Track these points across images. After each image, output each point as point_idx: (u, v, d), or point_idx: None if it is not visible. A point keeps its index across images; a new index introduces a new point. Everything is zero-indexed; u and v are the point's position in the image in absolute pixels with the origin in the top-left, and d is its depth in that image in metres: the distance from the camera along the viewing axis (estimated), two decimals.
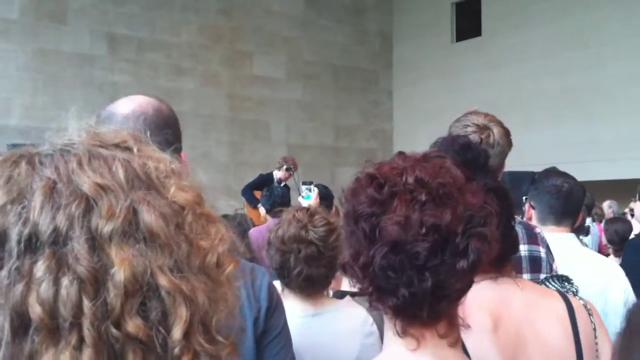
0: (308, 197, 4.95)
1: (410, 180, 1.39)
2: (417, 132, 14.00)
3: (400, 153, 1.53)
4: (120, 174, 0.79)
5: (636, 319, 1.16)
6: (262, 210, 6.62)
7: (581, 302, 1.98)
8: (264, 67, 15.10)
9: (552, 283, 2.17)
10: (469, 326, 1.48)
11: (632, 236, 6.47)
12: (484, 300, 1.81)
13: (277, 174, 9.44)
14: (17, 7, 12.37)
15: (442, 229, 1.35)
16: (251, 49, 14.96)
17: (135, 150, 0.85)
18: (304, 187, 5.07)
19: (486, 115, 2.76)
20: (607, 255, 6.77)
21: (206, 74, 14.31)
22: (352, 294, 2.98)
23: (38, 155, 0.81)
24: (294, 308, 2.66)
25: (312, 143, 15.48)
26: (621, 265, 5.52)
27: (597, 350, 1.89)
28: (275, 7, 15.35)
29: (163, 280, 0.75)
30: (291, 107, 15.37)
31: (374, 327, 2.72)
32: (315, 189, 5.02)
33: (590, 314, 1.93)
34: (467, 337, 1.59)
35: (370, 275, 1.41)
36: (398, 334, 1.44)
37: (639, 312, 1.16)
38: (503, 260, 1.93)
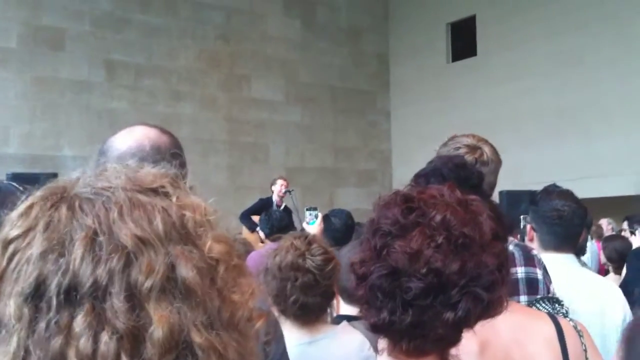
0: (313, 223, 4.93)
1: (438, 218, 1.39)
2: (414, 152, 13.98)
3: (452, 185, 1.52)
4: (160, 226, 0.78)
5: (633, 335, 1.18)
6: (261, 234, 6.62)
7: (571, 323, 1.96)
8: (262, 90, 15.15)
9: (543, 305, 2.17)
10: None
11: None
12: None
13: (275, 197, 9.55)
14: (15, 35, 12.43)
15: (443, 276, 1.35)
16: (249, 72, 15.03)
17: (173, 198, 0.83)
18: (307, 213, 5.05)
19: (473, 135, 2.79)
20: (607, 272, 6.74)
21: (204, 98, 14.36)
22: (349, 318, 2.98)
23: (78, 199, 0.80)
24: (290, 336, 2.64)
25: (311, 165, 15.51)
26: (625, 275, 5.52)
27: None
28: (273, 32, 15.44)
29: (198, 338, 0.75)
30: (290, 130, 15.41)
31: (371, 352, 2.70)
32: (320, 215, 5.00)
33: (580, 335, 1.91)
34: None
35: (363, 287, 1.43)
36: (377, 351, 1.48)
37: (634, 328, 1.18)
38: None
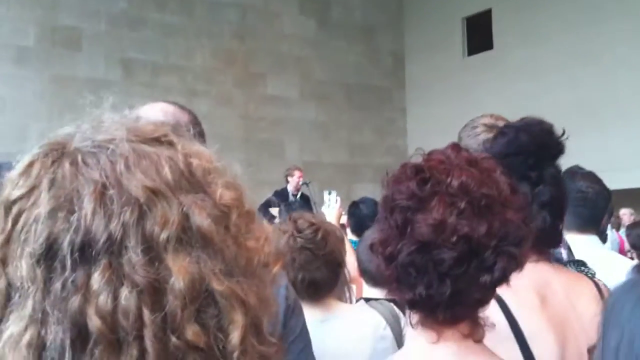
0: (332, 206, 4.92)
1: (455, 183, 1.36)
2: (431, 147, 13.77)
3: (456, 146, 1.51)
4: (169, 175, 0.76)
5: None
6: None
7: (601, 282, 1.99)
8: (278, 87, 15.17)
9: (571, 267, 2.17)
10: (493, 325, 1.48)
11: None
12: (529, 281, 1.80)
13: (290, 187, 9.56)
14: (33, 34, 12.52)
15: (473, 241, 1.34)
16: (264, 70, 15.05)
17: (178, 146, 0.80)
18: (326, 197, 5.04)
19: (491, 115, 2.73)
20: (632, 259, 6.72)
21: (220, 96, 14.38)
22: (366, 300, 2.96)
23: (79, 153, 0.76)
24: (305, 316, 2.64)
25: (327, 161, 15.49)
26: None
27: None
28: (288, 29, 15.45)
29: (218, 286, 0.73)
30: (305, 126, 15.41)
31: (388, 331, 2.69)
32: (339, 198, 4.99)
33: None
34: (519, 314, 1.63)
35: (393, 267, 1.40)
36: (411, 325, 1.45)
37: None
38: (546, 247, 1.94)
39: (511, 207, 1.40)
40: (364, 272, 3.18)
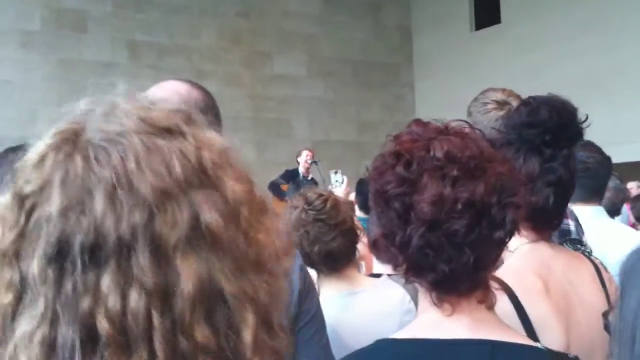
0: (339, 185, 4.94)
1: (440, 155, 1.36)
2: None
3: (418, 121, 1.50)
4: (180, 173, 0.75)
5: (627, 262, 1.20)
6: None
7: (597, 260, 1.97)
8: (285, 66, 15.11)
9: (567, 246, 2.16)
10: (499, 289, 1.49)
11: None
12: (530, 264, 1.80)
13: (301, 168, 9.61)
14: (38, 18, 12.51)
15: (477, 203, 1.33)
16: (271, 49, 14.97)
17: (189, 137, 0.79)
18: (333, 178, 5.06)
19: (503, 90, 2.68)
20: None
21: (227, 75, 14.31)
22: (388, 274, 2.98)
23: (91, 146, 0.76)
24: (330, 289, 2.67)
25: (336, 139, 15.46)
26: None
27: None
28: (293, 7, 15.35)
29: (228, 285, 0.74)
30: (313, 105, 15.35)
31: (412, 305, 2.68)
32: (345, 177, 5.01)
33: (605, 270, 1.93)
34: (525, 300, 1.61)
35: (408, 254, 1.39)
36: (435, 304, 1.43)
37: (629, 257, 1.21)
38: (545, 227, 1.90)
39: (496, 160, 1.41)
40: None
